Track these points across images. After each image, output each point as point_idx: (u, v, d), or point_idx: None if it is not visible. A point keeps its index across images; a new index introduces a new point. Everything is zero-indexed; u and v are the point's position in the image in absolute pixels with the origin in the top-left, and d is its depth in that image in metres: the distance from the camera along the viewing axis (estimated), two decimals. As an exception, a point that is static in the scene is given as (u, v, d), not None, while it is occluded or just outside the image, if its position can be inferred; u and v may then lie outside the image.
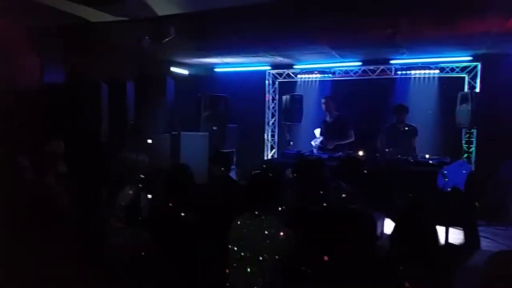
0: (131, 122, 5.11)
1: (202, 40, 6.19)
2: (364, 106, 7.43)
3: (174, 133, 4.77)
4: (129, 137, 5.01)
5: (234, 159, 7.53)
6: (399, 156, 5.80)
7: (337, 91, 7.71)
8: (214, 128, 6.70)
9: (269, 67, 8.50)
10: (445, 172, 5.26)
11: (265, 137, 8.73)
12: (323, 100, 6.84)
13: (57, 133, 3.93)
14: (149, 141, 4.64)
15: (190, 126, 6.58)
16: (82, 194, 3.43)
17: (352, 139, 6.57)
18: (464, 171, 5.19)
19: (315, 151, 6.83)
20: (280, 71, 8.49)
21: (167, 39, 4.62)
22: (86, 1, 4.11)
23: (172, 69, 8.00)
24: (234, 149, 7.52)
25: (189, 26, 5.15)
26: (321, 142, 6.82)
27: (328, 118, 6.86)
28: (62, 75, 5.43)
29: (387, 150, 5.83)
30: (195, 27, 5.27)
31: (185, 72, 8.48)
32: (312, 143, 7.21)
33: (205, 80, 8.65)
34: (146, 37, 4.73)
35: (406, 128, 6.30)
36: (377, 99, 7.54)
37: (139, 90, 4.95)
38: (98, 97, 4.87)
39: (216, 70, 8.82)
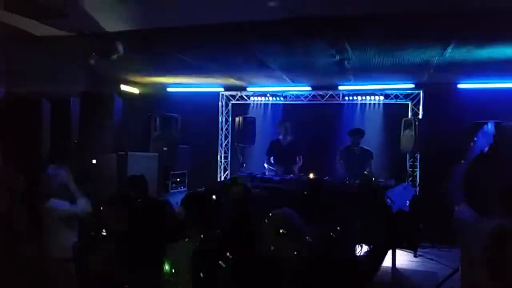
0: (75, 141, 4.88)
1: (153, 59, 6.11)
2: (314, 130, 7.62)
3: (121, 153, 4.59)
4: (73, 157, 4.79)
5: (186, 181, 7.38)
6: (351, 179, 5.96)
7: (289, 115, 7.85)
8: (165, 148, 6.54)
9: (222, 89, 8.51)
10: (390, 194, 5.43)
11: (218, 158, 8.65)
12: (280, 124, 6.93)
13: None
14: (94, 161, 4.43)
15: (140, 146, 6.40)
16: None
17: (300, 164, 6.73)
18: (408, 194, 5.37)
19: (267, 173, 6.85)
20: (233, 93, 8.52)
21: (115, 56, 4.50)
22: (30, 13, 3.94)
23: (123, 87, 7.81)
24: (185, 171, 7.37)
25: (140, 44, 5.07)
26: (271, 165, 6.87)
27: (283, 142, 6.94)
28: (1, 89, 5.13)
29: (346, 180, 5.95)
30: (146, 45, 5.19)
31: (135, 91, 8.30)
32: (265, 165, 7.24)
33: (157, 99, 8.50)
34: (93, 53, 4.59)
35: (361, 151, 6.53)
36: (326, 123, 7.75)
37: (85, 108, 4.75)
38: (39, 113, 4.63)
39: (168, 90, 8.71)
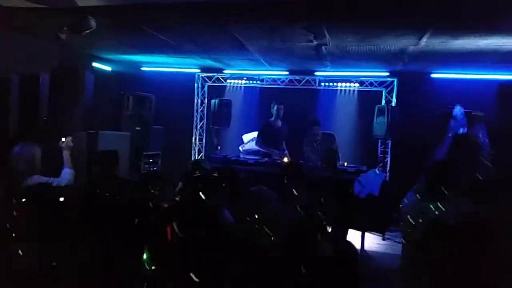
0: (44, 118, 4.73)
1: (127, 36, 5.94)
2: (289, 115, 7.64)
3: (91, 131, 4.48)
4: (41, 134, 4.64)
5: (159, 162, 7.30)
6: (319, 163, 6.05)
7: (264, 98, 7.84)
8: (137, 128, 6.43)
9: (199, 70, 8.40)
10: (361, 179, 5.56)
11: (193, 140, 8.59)
12: (277, 107, 6.90)
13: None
14: (63, 139, 4.31)
15: (111, 125, 6.26)
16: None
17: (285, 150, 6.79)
18: (378, 179, 5.51)
19: (241, 156, 6.86)
20: (210, 74, 8.43)
21: (87, 32, 4.35)
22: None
23: (95, 64, 7.58)
24: (159, 152, 7.29)
25: (114, 20, 4.91)
26: (262, 147, 6.82)
27: (273, 125, 6.92)
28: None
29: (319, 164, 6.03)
30: (120, 22, 5.04)
31: (108, 68, 8.09)
32: (240, 148, 7.25)
33: (130, 78, 8.30)
34: (65, 27, 4.42)
35: (323, 136, 6.60)
36: (301, 109, 7.79)
37: (55, 84, 4.59)
38: (7, 88, 4.46)
39: (143, 68, 8.53)
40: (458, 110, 5.18)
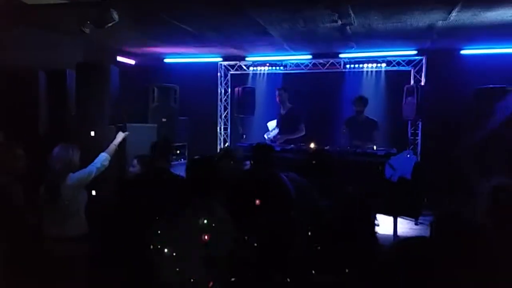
0: (72, 114, 4.79)
1: (148, 28, 5.94)
2: (314, 99, 7.52)
3: (119, 125, 4.51)
4: (70, 129, 4.71)
5: (186, 153, 7.33)
6: (351, 147, 5.91)
7: (288, 84, 7.72)
8: (164, 120, 6.46)
9: (221, 59, 8.35)
10: (392, 163, 5.41)
11: (218, 130, 8.58)
12: (277, 92, 6.81)
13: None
14: (92, 133, 4.35)
15: (138, 118, 6.30)
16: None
17: (303, 133, 6.60)
18: (410, 162, 5.35)
19: (267, 143, 6.80)
20: (232, 62, 8.36)
21: (109, 25, 4.35)
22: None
23: (119, 58, 7.64)
24: (185, 143, 7.32)
25: (135, 11, 4.90)
26: (275, 135, 6.80)
27: (282, 111, 6.84)
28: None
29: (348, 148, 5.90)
30: (141, 13, 5.03)
31: (131, 61, 8.14)
32: (265, 136, 7.18)
33: (154, 70, 8.34)
34: (88, 22, 4.43)
35: (366, 120, 6.41)
36: (327, 92, 7.64)
37: (81, 79, 4.64)
38: (35, 85, 4.53)
39: (166, 60, 8.55)
40: None
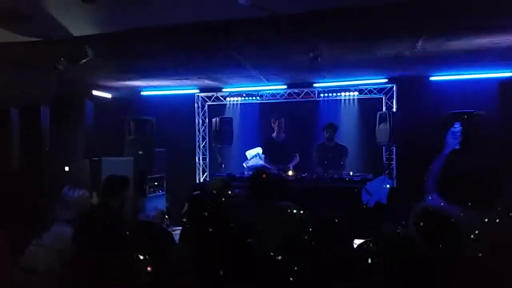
0: (47, 149, 4.74)
1: (124, 62, 5.99)
2: (291, 128, 7.63)
3: (94, 159, 4.47)
4: (44, 165, 4.64)
5: (164, 184, 7.28)
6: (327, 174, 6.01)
7: (265, 113, 7.84)
8: (140, 152, 6.42)
9: (198, 90, 8.44)
10: (368, 188, 5.51)
11: (196, 160, 8.57)
12: (281, 120, 6.91)
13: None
14: (67, 168, 4.30)
15: (114, 151, 6.26)
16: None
17: (297, 161, 6.73)
18: (385, 186, 5.45)
19: (246, 173, 6.83)
20: (209, 94, 8.46)
21: (84, 61, 4.38)
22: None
23: (95, 92, 7.64)
24: (163, 174, 7.27)
25: (109, 47, 4.96)
26: (265, 161, 6.83)
27: (276, 139, 6.92)
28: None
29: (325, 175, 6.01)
30: (116, 48, 5.09)
31: (107, 95, 8.14)
32: (244, 165, 7.22)
33: (130, 103, 8.36)
34: (62, 58, 4.46)
35: (336, 146, 6.57)
36: (303, 121, 7.79)
37: (55, 115, 4.61)
38: (8, 122, 4.48)
39: (142, 93, 8.58)
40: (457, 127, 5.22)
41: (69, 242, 2.51)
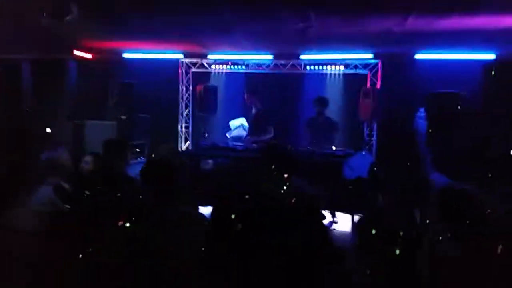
0: (27, 109, 4.60)
1: (107, 21, 5.76)
2: (275, 100, 7.61)
3: (77, 121, 4.37)
4: (25, 126, 4.51)
5: (146, 151, 7.20)
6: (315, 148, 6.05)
7: (250, 83, 7.77)
8: (123, 117, 6.31)
9: (182, 56, 8.25)
10: (350, 162, 5.61)
11: (179, 128, 8.48)
12: (246, 95, 6.79)
13: None
14: (48, 130, 4.20)
15: (95, 114, 6.12)
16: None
17: (271, 135, 6.62)
18: (366, 162, 5.56)
19: (230, 143, 6.81)
20: (194, 60, 8.28)
21: (68, 18, 4.21)
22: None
23: (76, 52, 7.36)
24: (145, 141, 7.17)
25: (94, 5, 4.76)
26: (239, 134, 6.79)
27: (252, 112, 6.82)
28: None
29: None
30: (101, 6, 4.88)
31: (89, 56, 7.86)
32: (227, 135, 7.19)
33: (112, 66, 8.07)
34: (45, 13, 4.26)
35: (327, 121, 6.56)
36: (287, 93, 7.78)
37: (37, 74, 4.45)
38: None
39: (124, 55, 8.31)
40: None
41: (57, 205, 2.50)
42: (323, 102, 6.61)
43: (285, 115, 7.57)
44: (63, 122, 4.38)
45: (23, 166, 3.25)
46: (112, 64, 8.06)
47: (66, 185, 2.94)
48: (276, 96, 7.69)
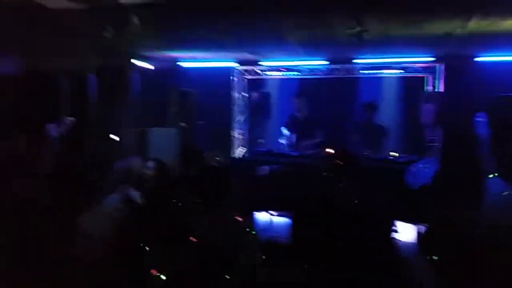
0: (93, 118, 4.82)
1: (165, 32, 5.95)
2: (329, 105, 7.49)
3: (140, 128, 4.51)
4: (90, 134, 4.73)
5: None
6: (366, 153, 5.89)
7: (304, 89, 7.70)
8: (183, 124, 6.46)
9: (236, 64, 8.34)
10: (413, 170, 5.36)
11: (234, 135, 8.54)
12: (295, 100, 6.79)
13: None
14: (116, 138, 4.37)
15: (156, 122, 6.31)
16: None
17: (322, 139, 6.58)
18: (430, 169, 5.29)
19: (284, 149, 6.78)
20: (248, 67, 8.34)
21: (130, 29, 4.37)
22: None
23: (136, 62, 7.65)
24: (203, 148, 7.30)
25: (153, 17, 4.91)
26: (290, 140, 6.78)
27: (300, 117, 6.82)
28: (13, 67, 5.04)
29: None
30: (160, 18, 5.04)
31: (148, 66, 8.15)
32: (280, 141, 7.17)
33: (169, 74, 8.33)
34: (108, 26, 4.46)
35: (374, 126, 6.42)
36: (342, 98, 7.62)
37: (102, 84, 4.66)
38: (55, 91, 4.56)
39: (180, 64, 8.52)
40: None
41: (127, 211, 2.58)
42: (372, 107, 6.49)
43: (339, 120, 7.42)
44: (126, 130, 4.54)
45: (96, 174, 3.38)
46: (171, 73, 8.30)
47: (136, 193, 3.03)
48: (331, 101, 7.57)
